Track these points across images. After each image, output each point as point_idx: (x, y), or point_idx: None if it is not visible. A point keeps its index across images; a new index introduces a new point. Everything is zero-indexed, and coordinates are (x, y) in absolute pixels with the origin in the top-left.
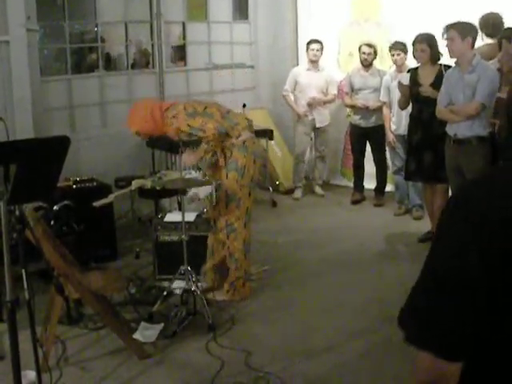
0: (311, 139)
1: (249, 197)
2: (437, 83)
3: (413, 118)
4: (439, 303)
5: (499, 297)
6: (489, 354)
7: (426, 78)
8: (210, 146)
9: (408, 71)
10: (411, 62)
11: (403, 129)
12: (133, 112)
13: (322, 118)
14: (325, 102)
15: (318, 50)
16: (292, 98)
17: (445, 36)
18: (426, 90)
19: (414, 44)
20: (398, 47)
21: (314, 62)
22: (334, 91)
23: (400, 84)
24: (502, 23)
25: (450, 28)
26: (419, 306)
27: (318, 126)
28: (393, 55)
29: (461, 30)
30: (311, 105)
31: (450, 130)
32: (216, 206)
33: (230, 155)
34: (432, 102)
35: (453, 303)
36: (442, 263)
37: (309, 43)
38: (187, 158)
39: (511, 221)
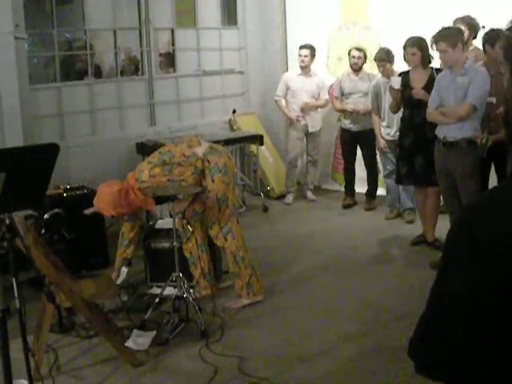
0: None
1: (233, 191)
2: (429, 86)
3: (404, 121)
4: (451, 334)
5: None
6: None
7: (418, 81)
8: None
9: (399, 75)
10: (400, 68)
11: (393, 134)
12: (102, 198)
13: (314, 122)
14: (317, 107)
15: (306, 56)
16: (284, 103)
17: (434, 46)
18: (418, 92)
19: (404, 48)
20: (381, 58)
21: (303, 68)
22: (325, 96)
23: (391, 88)
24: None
25: (438, 40)
26: (430, 337)
27: (310, 130)
28: (378, 66)
29: (450, 41)
30: (304, 110)
31: (440, 132)
32: (205, 213)
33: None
34: (424, 106)
35: (465, 334)
36: (452, 294)
37: (299, 48)
38: (178, 206)
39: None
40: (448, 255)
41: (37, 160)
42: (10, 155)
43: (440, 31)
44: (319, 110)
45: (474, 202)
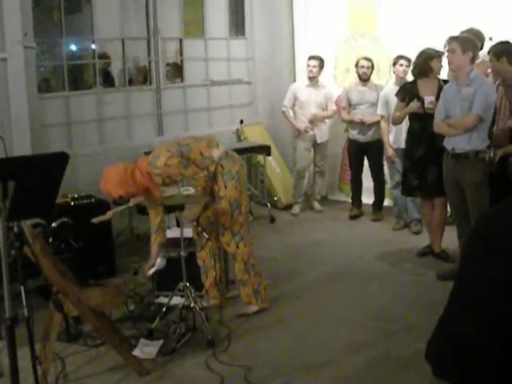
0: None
1: (246, 198)
2: (439, 97)
3: (414, 132)
4: (471, 337)
5: None
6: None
7: (428, 91)
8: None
9: (404, 85)
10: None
11: (403, 143)
12: (108, 178)
13: (322, 133)
14: (325, 118)
15: (314, 67)
16: (291, 113)
17: (446, 47)
18: (432, 102)
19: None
20: (405, 58)
21: (311, 79)
22: (333, 107)
23: (427, 105)
24: None
25: (452, 40)
26: (450, 340)
27: (318, 141)
28: (401, 65)
29: (462, 44)
30: (313, 122)
31: (448, 144)
32: (218, 220)
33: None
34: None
35: (484, 338)
36: (471, 299)
37: (308, 59)
38: (191, 214)
39: None
40: (465, 262)
41: (47, 169)
42: (20, 163)
43: (458, 35)
44: (327, 120)
45: (488, 212)
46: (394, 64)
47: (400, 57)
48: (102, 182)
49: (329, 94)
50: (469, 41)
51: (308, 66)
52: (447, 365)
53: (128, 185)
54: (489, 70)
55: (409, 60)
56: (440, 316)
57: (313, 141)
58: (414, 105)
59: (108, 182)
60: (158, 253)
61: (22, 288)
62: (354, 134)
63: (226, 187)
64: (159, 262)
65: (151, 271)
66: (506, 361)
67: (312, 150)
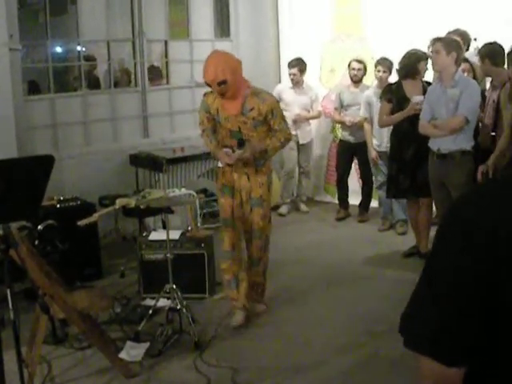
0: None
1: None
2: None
3: (403, 133)
4: (435, 311)
5: (496, 308)
6: (489, 361)
7: (414, 92)
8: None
9: (390, 85)
10: (393, 79)
11: (385, 145)
12: (226, 59)
13: (304, 134)
14: (310, 119)
15: (294, 75)
16: None
17: (430, 49)
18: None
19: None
20: (384, 64)
21: (295, 83)
22: (318, 108)
23: (415, 105)
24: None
25: (436, 41)
26: (416, 313)
27: (301, 142)
28: (378, 71)
29: (446, 45)
30: (296, 122)
31: (433, 144)
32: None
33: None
34: None
35: (448, 311)
36: (438, 275)
37: (288, 67)
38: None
39: (502, 230)
40: (439, 243)
41: (32, 171)
42: (5, 166)
43: (443, 36)
44: (311, 121)
45: (463, 193)
46: (375, 68)
47: (380, 62)
48: (212, 59)
49: (314, 96)
50: (453, 42)
51: (289, 74)
52: (415, 339)
53: (237, 77)
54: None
55: (389, 66)
56: (413, 292)
57: (296, 141)
58: (411, 109)
59: (223, 61)
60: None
61: (8, 291)
62: (346, 135)
63: (268, 190)
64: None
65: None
66: (471, 347)
67: (296, 151)
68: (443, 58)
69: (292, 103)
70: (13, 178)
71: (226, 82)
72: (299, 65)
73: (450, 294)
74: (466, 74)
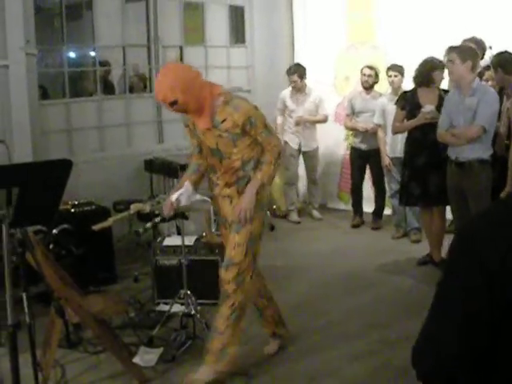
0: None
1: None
2: (440, 106)
3: (415, 141)
4: (448, 348)
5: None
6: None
7: (428, 101)
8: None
9: (405, 93)
10: (407, 86)
11: (399, 151)
12: (174, 75)
13: (308, 141)
14: (314, 122)
15: (295, 81)
16: (280, 120)
17: (445, 58)
18: (432, 112)
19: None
20: (395, 68)
21: (297, 89)
22: (323, 112)
23: (426, 114)
24: None
25: (451, 50)
26: (428, 348)
27: (303, 149)
28: (390, 76)
29: (461, 53)
30: (299, 124)
31: (452, 152)
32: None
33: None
34: (437, 125)
35: (461, 349)
36: (449, 310)
37: (286, 74)
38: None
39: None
40: (449, 266)
41: (50, 175)
42: (23, 170)
43: (458, 45)
44: (314, 130)
45: (477, 214)
46: (387, 75)
47: (390, 68)
48: (161, 76)
49: (318, 99)
50: (467, 50)
51: (290, 81)
52: (429, 369)
53: (191, 94)
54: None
55: (399, 70)
56: (424, 321)
57: (297, 149)
58: (422, 118)
59: (172, 78)
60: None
61: (24, 295)
62: (357, 142)
63: (253, 218)
64: (183, 190)
65: (174, 198)
66: (486, 364)
67: (301, 159)
68: (458, 67)
69: (296, 108)
70: (30, 182)
71: (177, 101)
72: (298, 71)
73: (462, 331)
74: (489, 83)
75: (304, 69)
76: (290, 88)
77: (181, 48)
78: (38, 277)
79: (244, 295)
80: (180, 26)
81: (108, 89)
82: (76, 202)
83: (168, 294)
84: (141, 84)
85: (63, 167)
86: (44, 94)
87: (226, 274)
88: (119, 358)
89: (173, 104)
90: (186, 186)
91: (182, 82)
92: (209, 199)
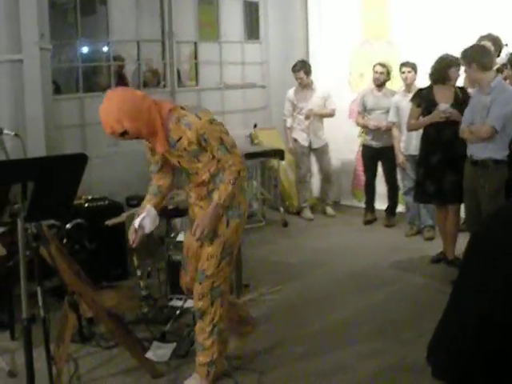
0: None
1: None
2: (456, 104)
3: (430, 138)
4: (464, 345)
5: None
6: None
7: (444, 98)
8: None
9: (420, 90)
10: (421, 83)
11: (413, 149)
12: (117, 103)
13: (317, 138)
14: (322, 116)
15: (301, 78)
16: (289, 123)
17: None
18: (451, 112)
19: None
20: (408, 65)
21: (303, 86)
22: (331, 106)
23: (441, 112)
24: None
25: (460, 59)
26: (444, 346)
27: (313, 146)
28: (403, 72)
29: (464, 59)
30: (309, 117)
31: (469, 150)
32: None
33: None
34: (452, 122)
35: (477, 346)
36: (466, 307)
37: (292, 71)
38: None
39: None
40: (463, 269)
41: (65, 170)
42: (39, 164)
43: (462, 51)
44: (323, 124)
45: (491, 214)
46: (400, 71)
47: (403, 64)
48: (104, 108)
49: (326, 93)
50: (469, 53)
51: (296, 78)
52: (444, 367)
53: (140, 120)
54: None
55: (413, 66)
56: (440, 319)
57: (308, 146)
58: (436, 116)
59: (115, 108)
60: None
61: (39, 288)
62: (368, 139)
63: (228, 225)
64: (145, 214)
65: (137, 225)
66: (498, 365)
67: (312, 156)
68: (468, 73)
69: (305, 106)
70: (45, 177)
71: (127, 131)
72: (304, 67)
73: (476, 333)
74: (507, 81)
75: (309, 65)
76: (293, 88)
77: (195, 43)
78: (51, 271)
79: (222, 307)
80: (194, 21)
81: (122, 84)
82: (89, 197)
83: (181, 289)
84: (154, 79)
85: (79, 161)
86: (57, 88)
87: (201, 288)
88: (132, 353)
89: (123, 134)
90: (149, 210)
91: (128, 109)
92: None
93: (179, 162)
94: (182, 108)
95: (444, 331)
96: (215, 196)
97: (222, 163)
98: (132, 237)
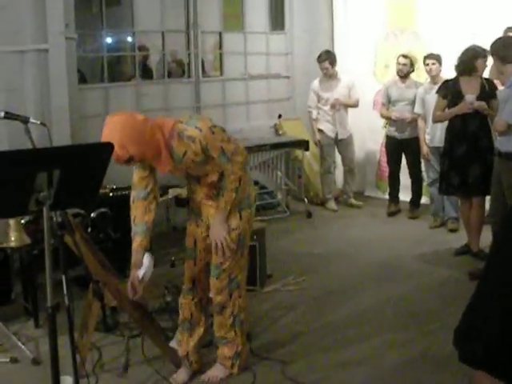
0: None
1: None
2: (482, 96)
3: (455, 130)
4: (492, 327)
5: None
6: None
7: (470, 90)
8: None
9: (447, 82)
10: (447, 74)
11: (438, 140)
12: (119, 130)
13: (343, 130)
14: (347, 105)
15: (326, 68)
16: (314, 115)
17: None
18: (478, 104)
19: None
20: (432, 57)
21: (328, 76)
22: (356, 95)
23: (467, 104)
24: None
25: (487, 51)
26: (472, 328)
27: (339, 137)
28: (427, 64)
29: (489, 52)
30: (335, 106)
31: (496, 141)
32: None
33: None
34: (478, 114)
35: (506, 326)
36: (495, 291)
37: (318, 62)
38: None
39: None
40: (489, 261)
41: (91, 159)
42: (65, 153)
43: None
44: (348, 115)
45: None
46: (424, 63)
47: (427, 56)
48: (107, 135)
49: (350, 83)
50: (493, 45)
51: (321, 69)
52: (472, 351)
53: (145, 143)
54: None
55: (437, 58)
56: (468, 303)
57: (334, 138)
58: (464, 108)
59: (118, 135)
60: (141, 259)
61: (64, 277)
62: (392, 130)
63: (240, 217)
64: (147, 264)
65: (140, 276)
66: None
67: (336, 147)
68: (492, 67)
69: (331, 96)
70: (72, 165)
71: (133, 157)
72: (329, 58)
73: (507, 309)
74: None
75: (334, 56)
76: (318, 79)
77: (220, 34)
78: (75, 260)
79: (240, 298)
80: (219, 11)
81: (146, 74)
82: (114, 186)
83: None
84: (179, 70)
85: (105, 151)
86: (83, 78)
87: (219, 283)
88: (155, 342)
89: (129, 161)
90: (148, 259)
91: (131, 134)
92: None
93: (187, 173)
94: (180, 122)
95: (472, 317)
96: (221, 204)
97: (223, 171)
98: (135, 289)
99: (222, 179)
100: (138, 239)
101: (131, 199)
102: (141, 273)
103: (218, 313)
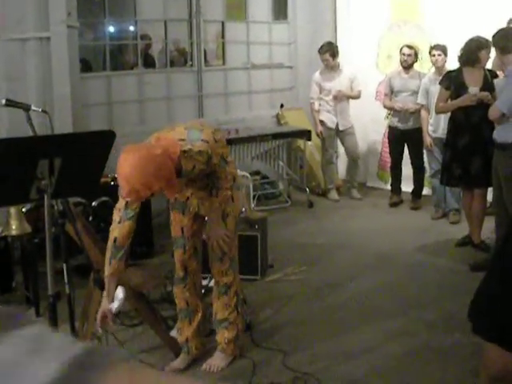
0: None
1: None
2: (486, 87)
3: (458, 121)
4: (507, 301)
5: None
6: None
7: (473, 81)
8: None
9: (449, 73)
10: (451, 65)
11: (441, 132)
12: (139, 169)
13: (344, 120)
14: (349, 97)
15: (327, 60)
16: (317, 106)
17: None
18: (483, 94)
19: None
20: (438, 48)
21: (330, 68)
22: (358, 87)
23: (472, 96)
24: None
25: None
26: (486, 302)
27: (341, 128)
28: (433, 55)
29: (490, 45)
30: (337, 97)
31: (494, 132)
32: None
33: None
34: (481, 105)
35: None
36: (492, 282)
37: (319, 54)
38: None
39: None
40: (497, 249)
41: (93, 146)
42: (67, 140)
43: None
44: (350, 106)
45: None
46: (430, 54)
47: (433, 47)
48: (124, 171)
49: (352, 75)
50: (494, 35)
51: (322, 60)
52: (485, 325)
53: (162, 177)
54: None
55: (443, 49)
56: (482, 278)
57: (335, 128)
58: (467, 99)
59: (139, 174)
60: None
61: (65, 265)
62: (395, 121)
63: (233, 199)
64: (121, 297)
65: (113, 310)
66: None
67: (338, 138)
68: (495, 58)
69: (332, 88)
70: (73, 153)
71: (155, 192)
72: (330, 49)
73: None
74: None
75: (336, 47)
76: (319, 70)
77: (222, 23)
78: (76, 249)
79: (238, 274)
80: (222, 0)
81: (148, 63)
82: (116, 175)
83: (206, 268)
84: (181, 59)
85: (106, 138)
86: (87, 66)
87: (223, 265)
88: (156, 331)
89: (151, 196)
90: (122, 293)
91: (154, 173)
92: (249, 175)
93: (195, 182)
94: (182, 139)
95: (486, 293)
96: (216, 203)
97: (219, 173)
98: (104, 323)
99: (213, 177)
100: (114, 264)
101: (117, 219)
102: (114, 306)
103: (223, 294)
